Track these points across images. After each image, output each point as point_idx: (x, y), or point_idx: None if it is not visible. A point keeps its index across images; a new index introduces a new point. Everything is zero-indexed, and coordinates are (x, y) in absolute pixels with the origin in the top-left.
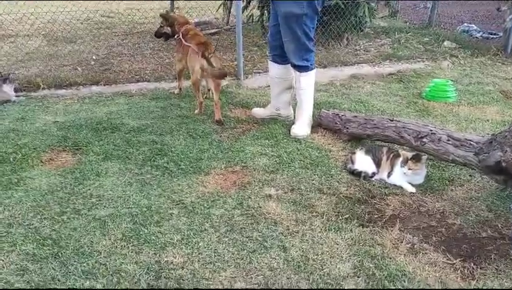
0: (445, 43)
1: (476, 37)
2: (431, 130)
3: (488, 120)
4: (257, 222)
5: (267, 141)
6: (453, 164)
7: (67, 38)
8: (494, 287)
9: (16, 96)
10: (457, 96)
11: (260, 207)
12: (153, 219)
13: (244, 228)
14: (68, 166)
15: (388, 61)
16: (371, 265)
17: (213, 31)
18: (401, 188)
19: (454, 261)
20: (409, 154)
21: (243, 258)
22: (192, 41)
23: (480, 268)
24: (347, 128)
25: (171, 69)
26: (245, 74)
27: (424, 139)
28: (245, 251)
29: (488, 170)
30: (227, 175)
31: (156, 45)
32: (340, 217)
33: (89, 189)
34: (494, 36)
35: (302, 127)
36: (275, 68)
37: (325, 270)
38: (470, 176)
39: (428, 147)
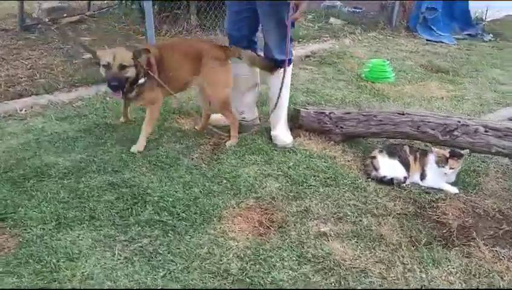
0: (331, 19)
1: (349, 12)
2: (459, 121)
3: (442, 97)
4: (339, 275)
5: (255, 156)
6: None
7: None
8: None
9: None
10: (395, 75)
11: (325, 253)
12: None
13: None
14: (9, 255)
15: (295, 42)
16: None
17: (74, 19)
18: (441, 190)
19: None
20: (445, 152)
21: None
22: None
23: None
24: (341, 127)
25: (52, 72)
26: None
27: (456, 132)
28: None
29: None
30: (247, 215)
31: (6, 42)
32: (420, 245)
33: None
34: (358, 10)
35: (285, 133)
36: (239, 65)
37: None
38: (483, 162)
39: (461, 140)
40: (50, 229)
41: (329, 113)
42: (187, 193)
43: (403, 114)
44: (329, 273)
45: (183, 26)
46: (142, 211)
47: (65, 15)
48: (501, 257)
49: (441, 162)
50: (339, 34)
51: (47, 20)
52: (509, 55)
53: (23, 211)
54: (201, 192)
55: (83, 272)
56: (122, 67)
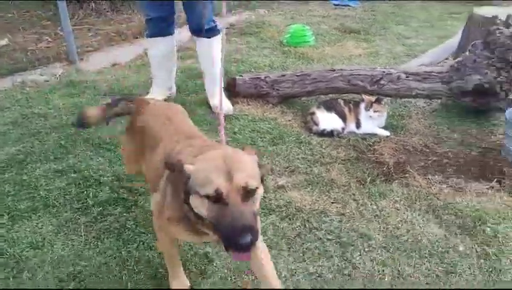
0: None
1: None
2: (383, 71)
3: (359, 55)
4: (302, 219)
5: (201, 126)
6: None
7: None
8: None
9: None
10: (314, 39)
11: (286, 202)
12: None
13: (297, 237)
14: None
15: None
16: (452, 217)
17: None
18: (375, 135)
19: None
20: (371, 98)
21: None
22: None
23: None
24: (277, 90)
25: None
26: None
27: (382, 81)
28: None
29: (462, 95)
30: None
31: None
32: (366, 183)
33: None
34: None
35: (225, 101)
36: (162, 44)
37: (422, 239)
38: (405, 106)
39: (387, 88)
40: (4, 223)
41: (265, 77)
42: None
43: (334, 70)
44: (294, 218)
45: (92, 7)
46: (98, 192)
47: None
48: (433, 182)
49: (367, 106)
50: (253, 5)
51: None
52: (408, 12)
53: None
54: None
55: (51, 257)
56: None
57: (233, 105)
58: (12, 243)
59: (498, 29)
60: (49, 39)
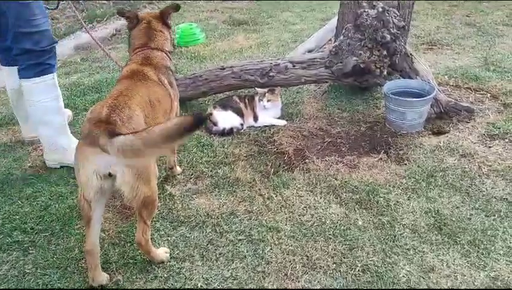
0: None
1: None
2: (271, 63)
3: (250, 46)
4: (212, 224)
5: None
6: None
7: None
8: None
9: None
10: (205, 36)
11: (194, 211)
12: None
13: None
14: None
15: (95, 23)
16: (350, 194)
17: None
18: (273, 126)
19: (381, 155)
20: (265, 90)
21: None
22: None
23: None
24: None
25: None
26: None
27: (271, 73)
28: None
29: (344, 76)
30: (107, 204)
31: None
32: (270, 175)
33: None
34: None
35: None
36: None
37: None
38: (297, 93)
39: (277, 78)
40: None
41: None
42: (34, 205)
43: (224, 68)
44: (204, 226)
45: None
46: None
47: None
48: (330, 164)
49: (261, 96)
50: (138, 6)
51: None
52: None
53: None
54: (50, 199)
55: None
56: None
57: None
58: None
59: (365, 11)
60: None
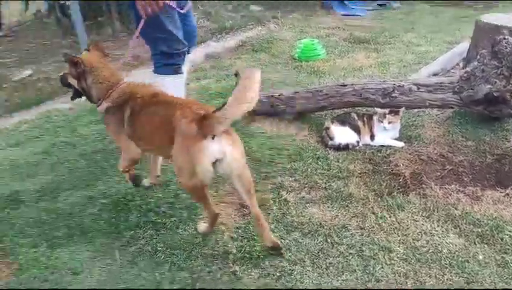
0: (252, 7)
1: None
2: (394, 84)
3: (370, 65)
4: (324, 234)
5: None
6: None
7: None
8: None
9: None
10: (325, 52)
11: (307, 218)
12: None
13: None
14: (10, 283)
15: (223, 34)
16: (470, 226)
17: None
18: (389, 146)
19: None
20: (385, 110)
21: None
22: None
23: None
24: (292, 107)
25: None
26: None
27: (394, 94)
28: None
29: (474, 103)
30: (227, 200)
31: None
32: (383, 195)
33: None
34: None
35: None
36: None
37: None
38: (418, 116)
39: (400, 100)
40: (43, 251)
41: (279, 95)
42: (166, 192)
43: (345, 85)
44: (316, 234)
45: (109, 33)
46: (128, 217)
47: None
48: (450, 192)
49: (381, 118)
50: (263, 20)
51: None
52: (417, 18)
53: (8, 239)
54: (180, 188)
55: (90, 283)
56: None
57: (249, 123)
58: (53, 269)
59: (504, 38)
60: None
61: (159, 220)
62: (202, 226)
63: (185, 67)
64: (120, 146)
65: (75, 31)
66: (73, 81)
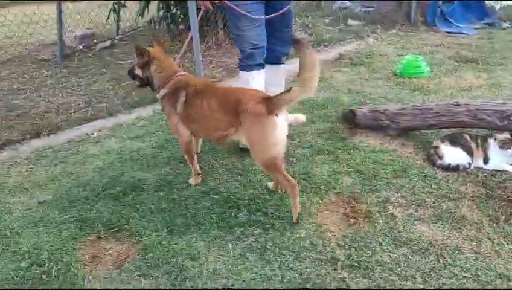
0: (349, 21)
1: (362, 11)
2: None
3: (480, 86)
4: (435, 254)
5: (323, 156)
6: None
7: None
8: None
9: None
10: (430, 70)
11: (417, 235)
12: None
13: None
14: (137, 260)
15: (322, 46)
16: None
17: (107, 44)
18: (505, 171)
19: None
20: (505, 135)
21: None
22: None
23: None
24: (397, 123)
25: (106, 96)
26: None
27: None
28: None
29: None
30: (332, 209)
31: (50, 71)
32: (499, 222)
33: None
34: (371, 9)
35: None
36: (264, 73)
37: None
38: None
39: None
40: (164, 236)
41: (384, 110)
42: (272, 194)
43: (458, 104)
44: (427, 253)
45: (212, 41)
46: (238, 214)
47: (95, 41)
48: None
49: (506, 144)
50: (362, 34)
51: (81, 47)
52: None
53: (134, 222)
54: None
55: (208, 269)
56: None
57: (351, 136)
58: (174, 253)
59: None
60: None
61: (267, 221)
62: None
63: (279, 76)
64: (173, 129)
65: (183, 38)
66: (139, 71)
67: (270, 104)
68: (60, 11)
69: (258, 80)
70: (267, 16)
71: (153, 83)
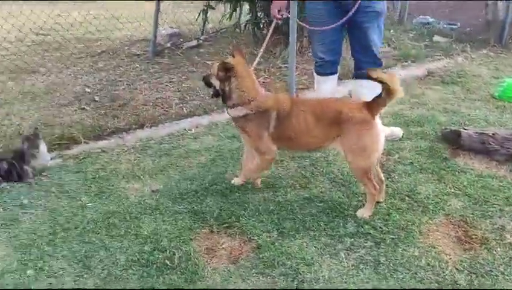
0: (436, 38)
1: (445, 28)
2: None
3: None
4: None
5: (425, 175)
6: None
7: (23, 69)
8: None
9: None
10: None
11: None
12: None
13: None
14: (251, 258)
15: (408, 62)
16: None
17: (193, 43)
18: None
19: None
20: None
21: None
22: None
23: None
24: (508, 148)
25: (198, 94)
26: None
27: None
28: None
29: None
30: (443, 230)
31: (143, 66)
32: None
33: None
34: (455, 26)
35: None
36: (334, 81)
37: None
38: None
39: None
40: (275, 237)
41: (493, 134)
42: (379, 208)
43: None
44: None
45: (296, 48)
46: (345, 224)
47: (182, 40)
48: None
49: None
50: (450, 52)
51: (169, 45)
52: None
53: (244, 220)
54: (390, 208)
55: (323, 276)
56: None
57: (454, 157)
58: (288, 256)
59: None
60: (265, 75)
61: (376, 234)
62: (361, 211)
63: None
64: (260, 148)
65: (264, 43)
66: (216, 83)
67: (371, 109)
68: (157, 10)
69: (328, 84)
70: (326, 28)
71: (231, 98)
